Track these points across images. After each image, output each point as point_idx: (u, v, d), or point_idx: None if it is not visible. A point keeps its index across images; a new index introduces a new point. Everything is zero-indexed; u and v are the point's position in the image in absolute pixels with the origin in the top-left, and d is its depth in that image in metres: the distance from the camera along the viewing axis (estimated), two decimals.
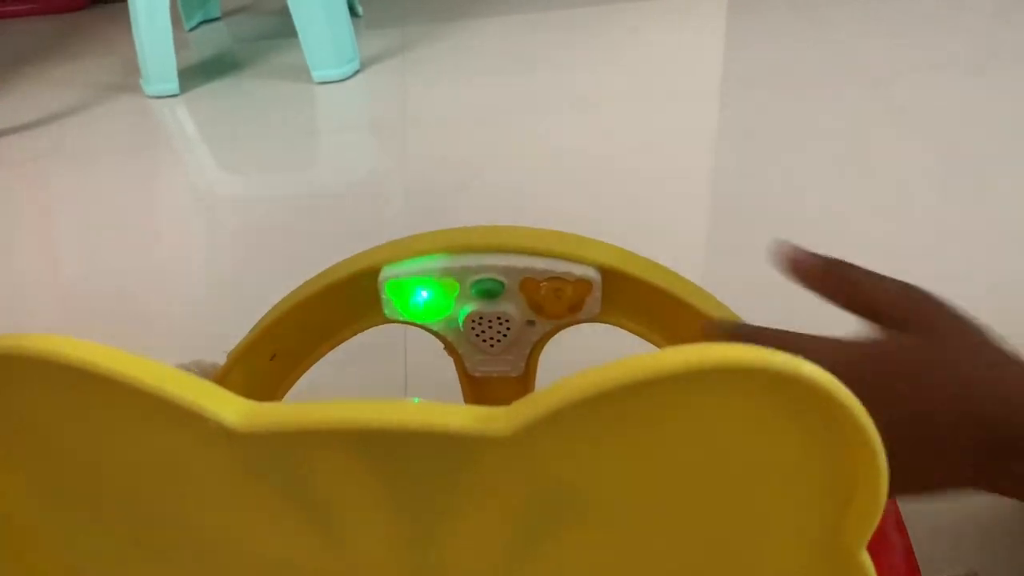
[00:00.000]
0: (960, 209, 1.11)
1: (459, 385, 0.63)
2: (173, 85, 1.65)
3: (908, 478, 0.36)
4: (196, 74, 1.74)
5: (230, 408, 0.24)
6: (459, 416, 0.23)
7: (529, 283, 0.54)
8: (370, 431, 0.23)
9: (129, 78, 1.71)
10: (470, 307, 0.56)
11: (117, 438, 0.26)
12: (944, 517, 0.65)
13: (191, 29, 1.97)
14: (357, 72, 1.66)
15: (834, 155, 1.28)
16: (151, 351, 0.79)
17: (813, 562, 0.26)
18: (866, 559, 0.26)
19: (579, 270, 0.53)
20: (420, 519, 0.26)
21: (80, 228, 1.34)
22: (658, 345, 0.58)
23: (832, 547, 0.26)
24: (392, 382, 0.93)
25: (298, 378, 0.63)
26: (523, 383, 0.61)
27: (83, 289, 1.18)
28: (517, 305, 0.55)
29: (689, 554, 0.27)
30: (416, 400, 0.24)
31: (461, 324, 0.57)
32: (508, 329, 0.57)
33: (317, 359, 0.62)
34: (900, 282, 0.41)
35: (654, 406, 0.23)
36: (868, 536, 0.25)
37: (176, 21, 1.71)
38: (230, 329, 0.61)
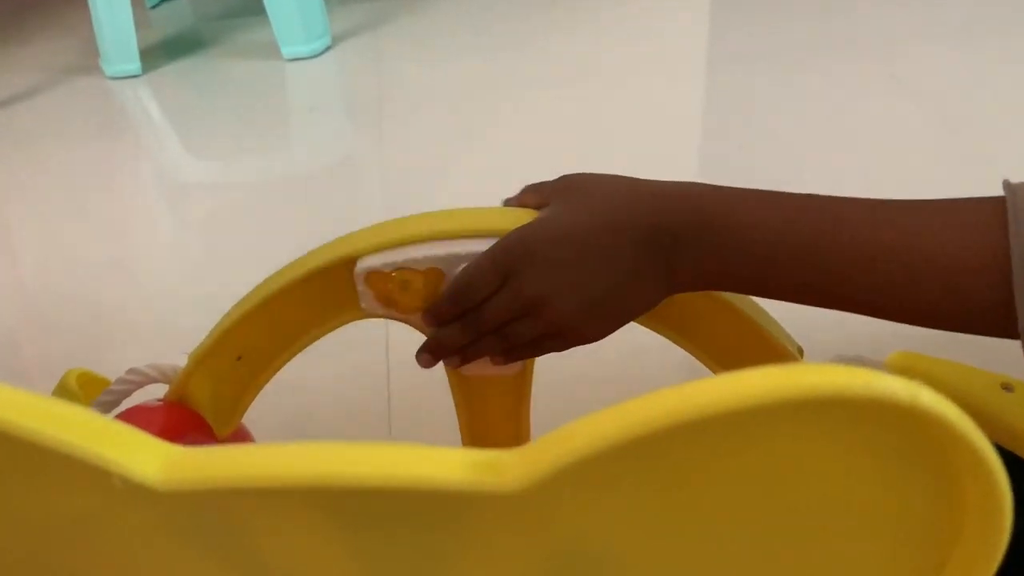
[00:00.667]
0: (959, 178, 1.07)
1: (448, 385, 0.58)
2: (135, 65, 1.57)
3: (618, 305, 0.44)
4: (159, 54, 1.66)
5: (149, 460, 0.18)
6: (454, 467, 0.17)
7: None
8: (334, 488, 0.17)
9: (88, 59, 1.63)
10: None
11: (11, 495, 0.20)
12: None
13: (153, 7, 1.89)
14: (328, 48, 1.59)
15: (828, 126, 1.24)
16: (111, 349, 0.73)
17: None
18: None
19: None
20: None
21: (38, 217, 1.27)
22: (676, 343, 0.52)
23: None
24: (374, 380, 0.87)
25: (268, 380, 0.57)
26: (520, 384, 0.56)
27: (40, 281, 1.12)
28: None
29: None
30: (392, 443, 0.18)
31: None
32: None
33: (288, 359, 0.57)
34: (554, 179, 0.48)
35: (708, 447, 0.17)
36: None
37: None
38: (199, 325, 0.56)
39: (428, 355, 0.50)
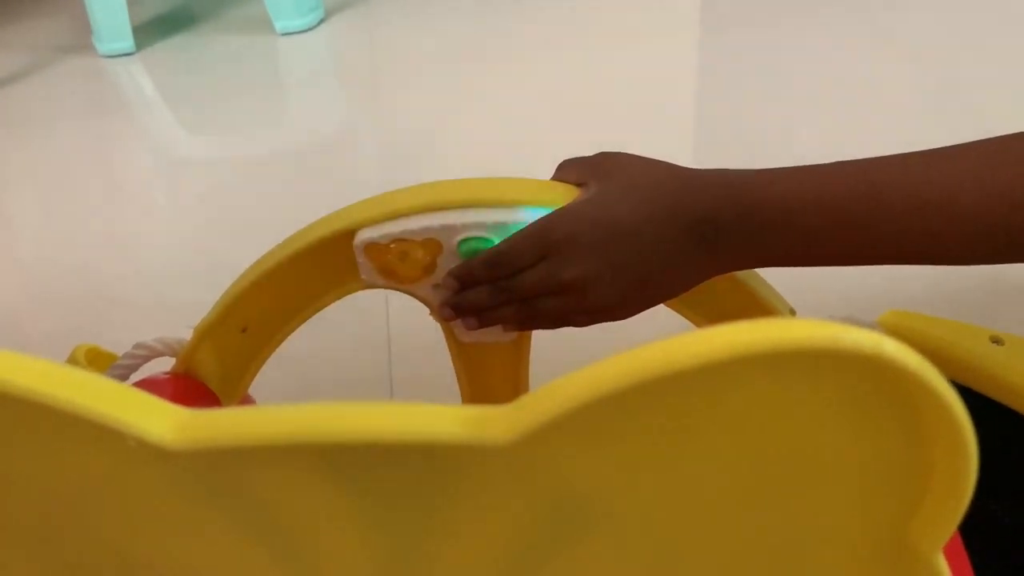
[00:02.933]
0: (951, 136, 1.07)
1: (447, 351, 0.59)
2: (128, 43, 1.57)
3: (655, 292, 0.45)
4: (152, 30, 1.65)
5: (160, 421, 0.19)
6: (447, 422, 0.18)
7: None
8: (335, 445, 0.18)
9: (80, 37, 1.62)
10: None
11: (27, 459, 0.21)
12: None
13: None
14: (322, 21, 1.58)
15: (821, 84, 1.24)
16: (114, 327, 0.74)
17: (877, 568, 0.22)
18: (942, 564, 0.21)
19: None
20: (401, 545, 0.21)
21: (36, 198, 1.28)
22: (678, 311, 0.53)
23: (901, 550, 0.22)
24: (375, 349, 0.88)
25: (272, 351, 0.58)
26: (518, 349, 0.57)
27: (41, 262, 1.12)
28: None
29: (722, 569, 0.22)
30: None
31: None
32: None
33: (292, 330, 0.58)
34: (587, 156, 0.49)
35: (688, 399, 0.18)
36: (947, 537, 0.21)
37: None
38: (198, 300, 0.57)
39: (450, 310, 0.50)
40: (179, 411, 0.19)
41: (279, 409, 0.19)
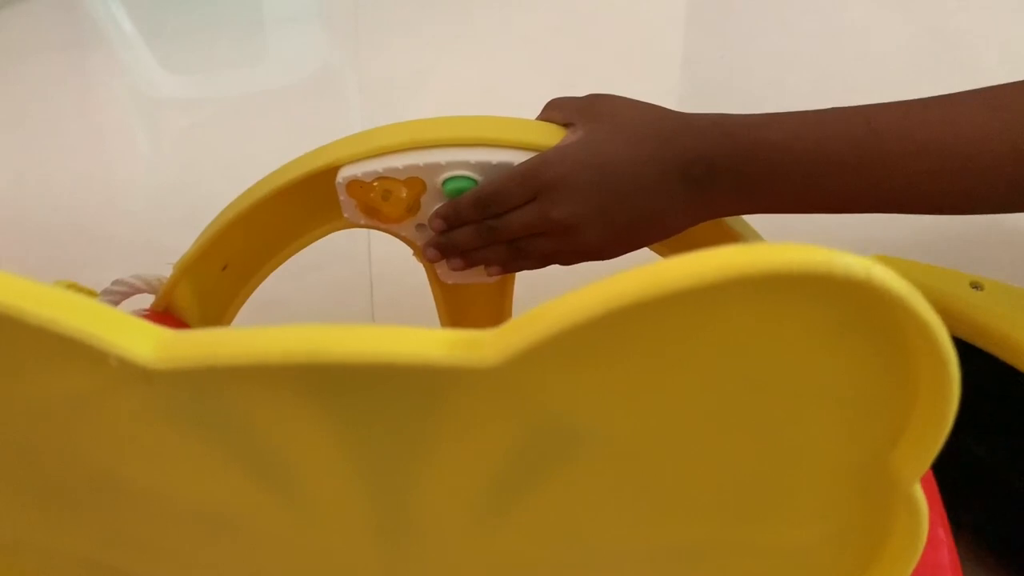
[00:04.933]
0: (943, 86, 1.07)
1: (431, 293, 0.59)
2: None
3: (645, 233, 0.45)
4: None
5: (142, 341, 0.19)
6: (435, 344, 0.18)
7: None
8: (321, 365, 0.18)
9: None
10: None
11: (5, 378, 0.21)
12: None
13: None
14: None
15: (812, 32, 1.22)
16: (90, 266, 0.73)
17: (857, 496, 0.23)
18: (919, 494, 0.22)
19: None
20: (385, 469, 0.21)
21: (9, 135, 1.25)
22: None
23: (882, 480, 0.22)
24: (356, 292, 0.88)
25: (253, 290, 0.58)
26: (501, 290, 0.57)
27: (15, 201, 1.10)
28: None
29: (707, 493, 0.23)
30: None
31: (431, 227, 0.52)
32: None
33: (273, 268, 0.57)
34: (576, 97, 0.49)
35: (678, 323, 0.18)
36: (925, 467, 0.21)
37: None
38: (177, 240, 0.56)
39: (436, 251, 0.50)
40: (162, 331, 0.19)
41: (264, 330, 0.18)
